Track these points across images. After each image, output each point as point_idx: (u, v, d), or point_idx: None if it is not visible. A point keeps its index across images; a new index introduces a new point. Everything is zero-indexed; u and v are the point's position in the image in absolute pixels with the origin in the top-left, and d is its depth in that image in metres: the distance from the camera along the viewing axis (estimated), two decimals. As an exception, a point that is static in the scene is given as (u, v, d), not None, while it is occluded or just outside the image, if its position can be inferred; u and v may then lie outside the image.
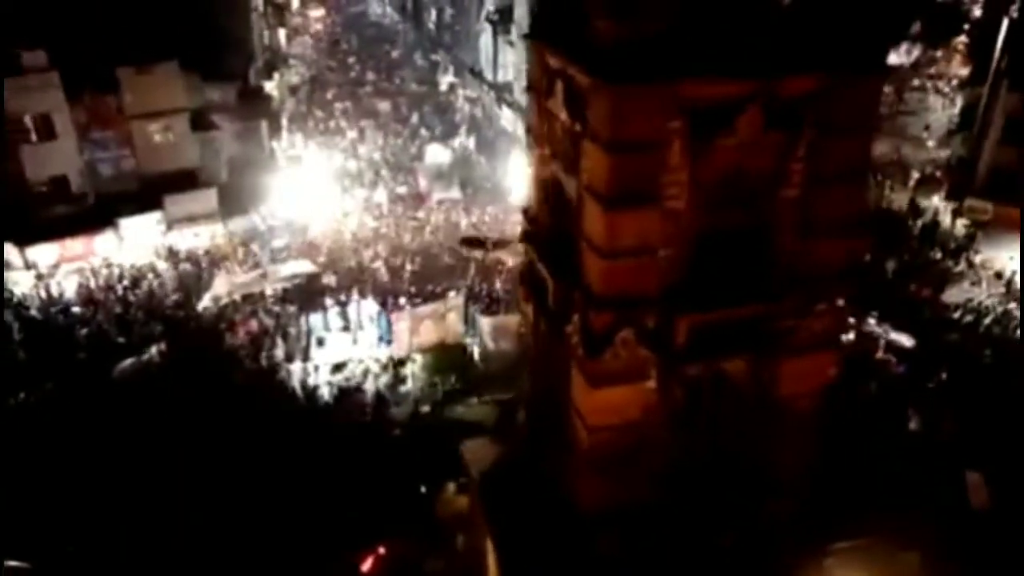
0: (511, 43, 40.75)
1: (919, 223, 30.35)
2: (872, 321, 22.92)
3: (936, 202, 31.59)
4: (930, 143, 36.66)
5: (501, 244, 26.71)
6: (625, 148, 8.79)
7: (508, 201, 32.00)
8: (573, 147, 9.81)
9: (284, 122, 40.45)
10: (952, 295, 25.81)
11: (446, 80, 51.39)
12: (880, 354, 22.32)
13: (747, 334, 10.21)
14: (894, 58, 35.51)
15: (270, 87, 41.13)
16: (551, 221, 10.96)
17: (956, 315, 24.79)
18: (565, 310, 10.31)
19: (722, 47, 8.57)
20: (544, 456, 12.26)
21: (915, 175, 33.38)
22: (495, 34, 43.58)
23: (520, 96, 39.53)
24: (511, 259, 25.82)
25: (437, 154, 36.38)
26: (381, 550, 17.09)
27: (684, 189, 9.28)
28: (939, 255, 28.38)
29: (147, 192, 29.52)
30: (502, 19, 42.07)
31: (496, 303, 24.97)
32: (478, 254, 27.14)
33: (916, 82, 40.13)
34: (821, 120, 9.33)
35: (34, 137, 27.46)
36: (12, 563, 16.07)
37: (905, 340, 22.29)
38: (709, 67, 8.56)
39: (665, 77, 8.48)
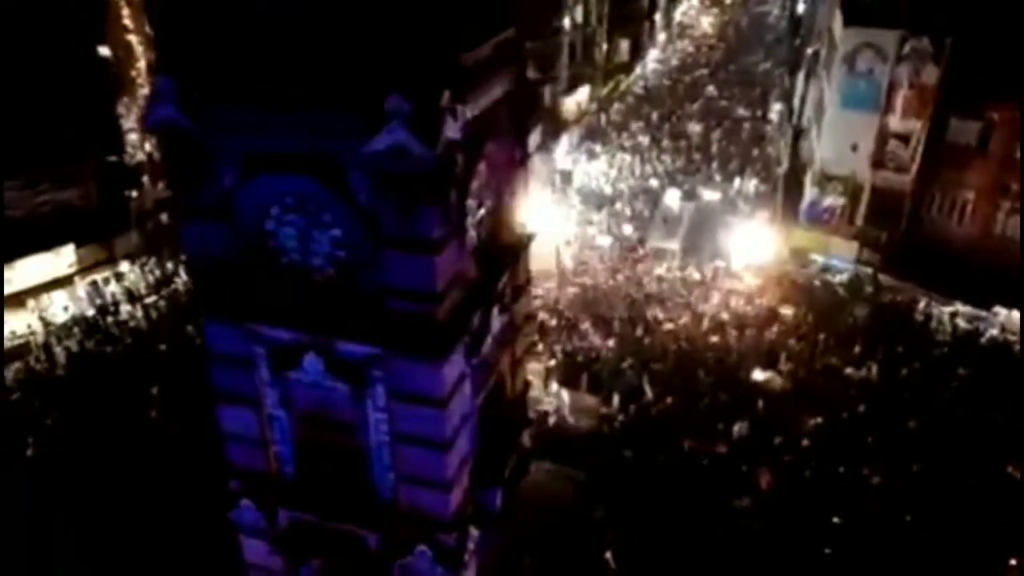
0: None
1: None
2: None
3: None
4: None
5: None
6: (216, 359, 10.25)
7: (725, 264, 30.26)
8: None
9: (572, 136, 42.91)
10: None
11: (776, 109, 48.01)
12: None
13: (356, 549, 10.74)
14: None
15: (570, 101, 43.93)
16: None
17: None
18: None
19: (276, 301, 9.43)
20: None
21: None
22: (808, 74, 39.45)
23: (813, 145, 35.91)
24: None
25: (672, 200, 35.23)
26: None
27: (278, 401, 10.27)
28: None
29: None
30: (815, 59, 37.91)
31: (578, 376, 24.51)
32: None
33: None
34: (387, 383, 9.40)
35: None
36: None
37: None
38: (261, 314, 9.50)
39: (227, 315, 9.69)
